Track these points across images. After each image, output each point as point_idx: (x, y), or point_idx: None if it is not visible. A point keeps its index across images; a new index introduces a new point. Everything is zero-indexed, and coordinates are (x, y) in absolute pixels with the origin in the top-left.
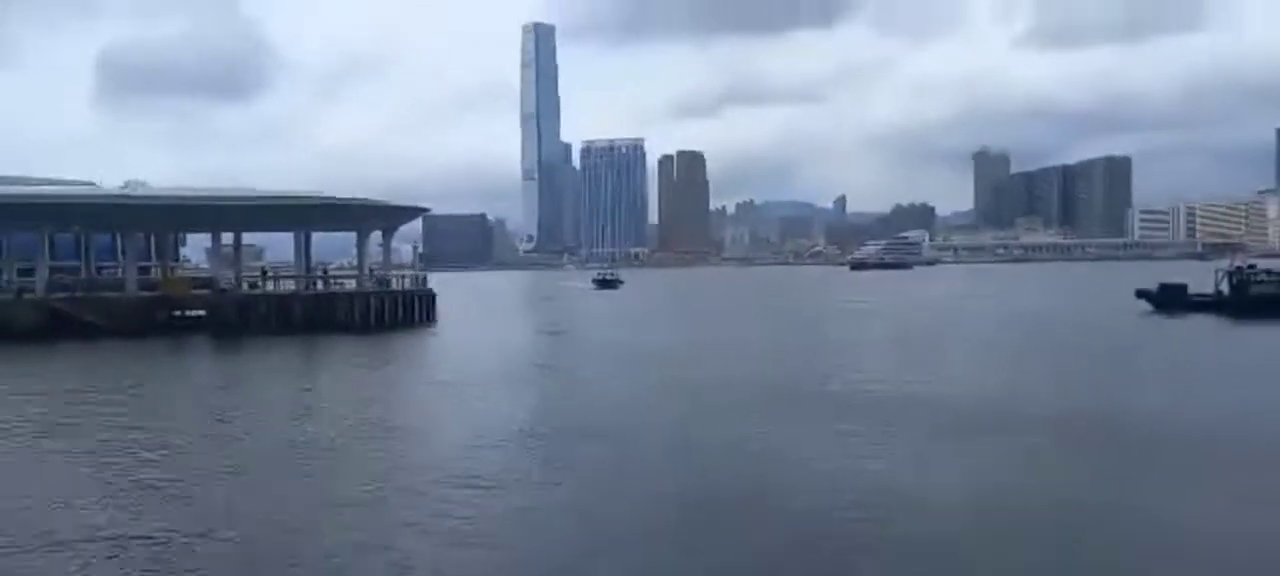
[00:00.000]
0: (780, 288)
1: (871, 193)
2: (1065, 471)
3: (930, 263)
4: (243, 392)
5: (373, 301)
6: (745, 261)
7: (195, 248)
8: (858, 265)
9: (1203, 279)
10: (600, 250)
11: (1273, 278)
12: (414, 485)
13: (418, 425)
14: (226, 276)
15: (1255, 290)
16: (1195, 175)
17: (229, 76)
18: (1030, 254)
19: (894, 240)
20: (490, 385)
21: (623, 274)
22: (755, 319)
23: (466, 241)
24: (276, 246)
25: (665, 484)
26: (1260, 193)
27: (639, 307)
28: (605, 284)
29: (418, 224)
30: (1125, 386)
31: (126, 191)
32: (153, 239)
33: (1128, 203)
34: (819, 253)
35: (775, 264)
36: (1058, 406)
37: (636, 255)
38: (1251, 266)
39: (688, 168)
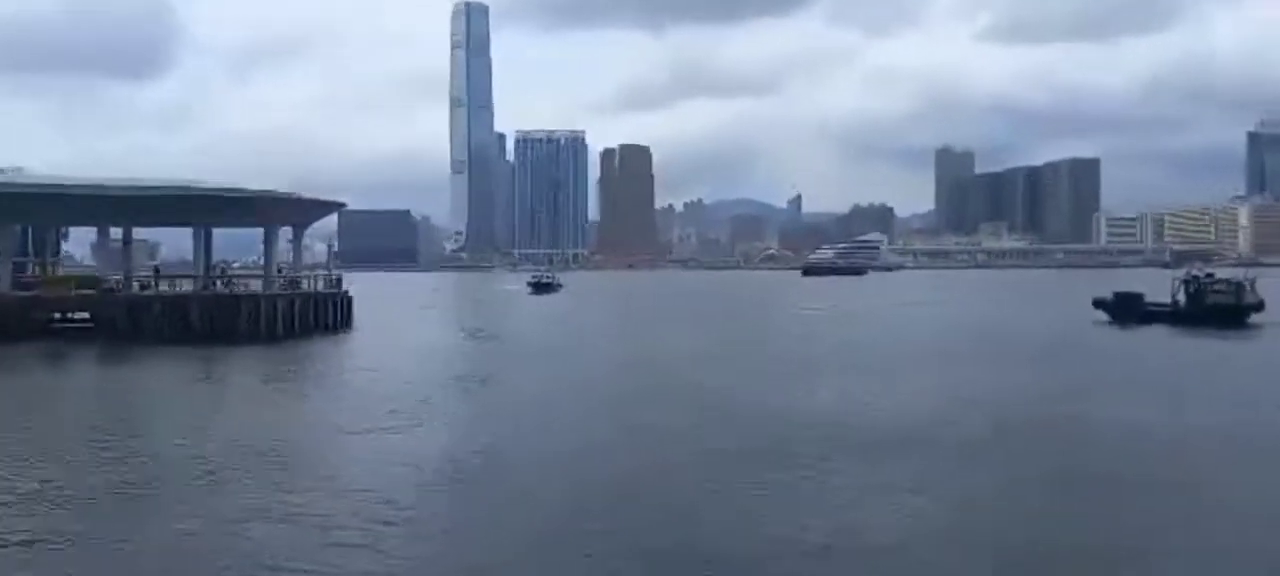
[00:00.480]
0: (724, 294)
1: (829, 192)
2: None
3: (889, 268)
4: (118, 411)
5: (281, 305)
6: (692, 264)
7: (80, 243)
8: (810, 270)
9: (1165, 288)
10: (536, 251)
11: (1229, 287)
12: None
13: (302, 460)
14: (114, 275)
15: (1211, 299)
16: (1160, 178)
17: (126, 52)
18: (994, 260)
19: (851, 244)
20: (401, 402)
21: (562, 276)
22: (688, 327)
23: (388, 239)
24: (173, 242)
25: (564, 519)
26: (1233, 199)
27: (576, 313)
28: (541, 287)
29: (334, 220)
30: (1043, 400)
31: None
32: (30, 232)
33: (1095, 206)
34: (772, 256)
35: (725, 268)
36: (966, 425)
37: (576, 256)
38: (1209, 275)
39: (632, 163)
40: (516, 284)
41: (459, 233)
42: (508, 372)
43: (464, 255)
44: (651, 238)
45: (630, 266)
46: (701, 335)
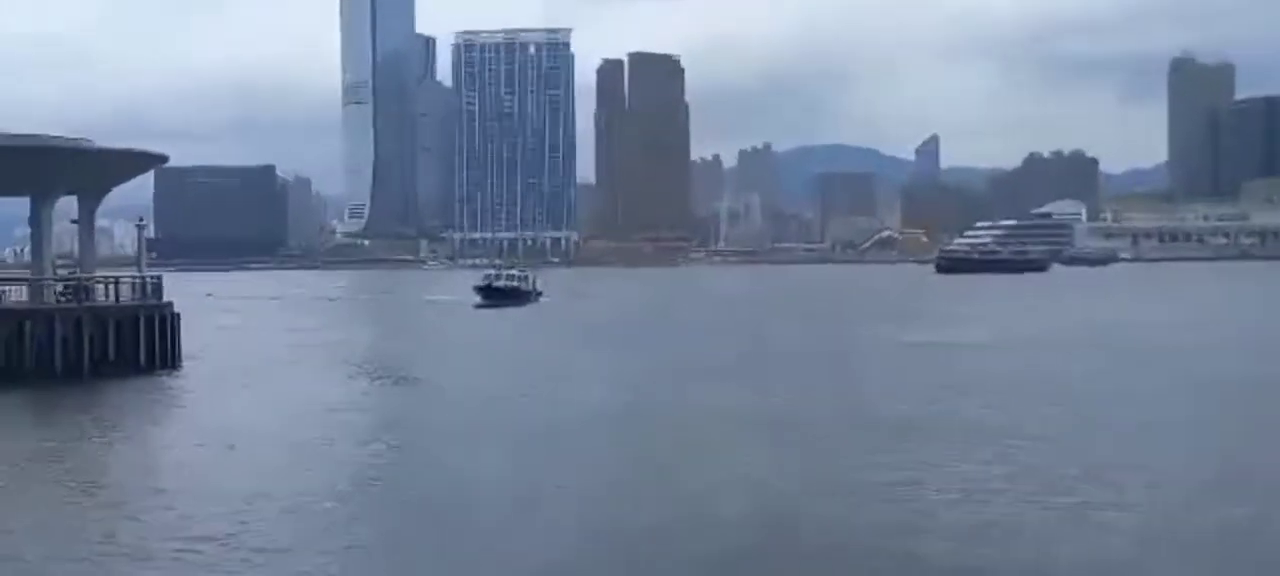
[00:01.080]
0: (803, 308)
1: (985, 134)
2: None
3: (1094, 261)
4: None
5: (60, 327)
6: (753, 256)
7: None
8: (950, 263)
9: None
10: (490, 235)
11: None
12: None
13: None
14: None
15: None
16: None
17: None
18: (1269, 245)
19: (1024, 221)
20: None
21: (539, 277)
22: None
23: (238, 217)
24: None
25: None
26: None
27: (551, 351)
28: (497, 295)
29: (148, 185)
30: None
31: None
32: None
33: None
34: (888, 239)
35: (809, 259)
36: None
37: (560, 244)
38: None
39: (650, 84)
40: (455, 291)
41: (357, 205)
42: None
43: (365, 242)
44: (682, 212)
45: (651, 260)
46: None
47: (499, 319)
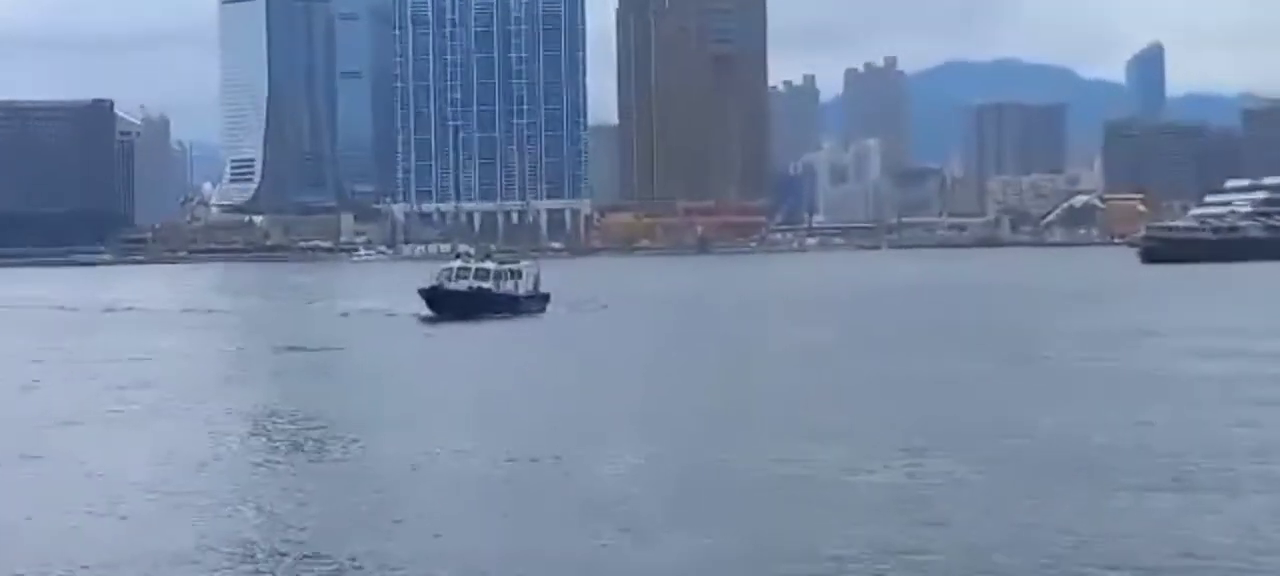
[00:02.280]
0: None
1: (1232, 42)
2: None
3: None
4: None
5: None
6: (867, 236)
7: None
8: (1162, 250)
9: None
10: (454, 207)
11: None
12: None
13: None
14: None
15: None
16: None
17: None
18: None
19: None
20: None
21: (535, 269)
22: None
23: (53, 181)
24: None
25: None
26: None
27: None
28: (460, 305)
29: None
30: None
31: None
32: None
33: None
34: (1085, 210)
35: (957, 241)
36: None
37: (561, 222)
38: None
39: None
40: (395, 296)
41: (242, 162)
42: None
43: (255, 219)
44: (756, 167)
45: (702, 245)
46: None
47: (460, 353)
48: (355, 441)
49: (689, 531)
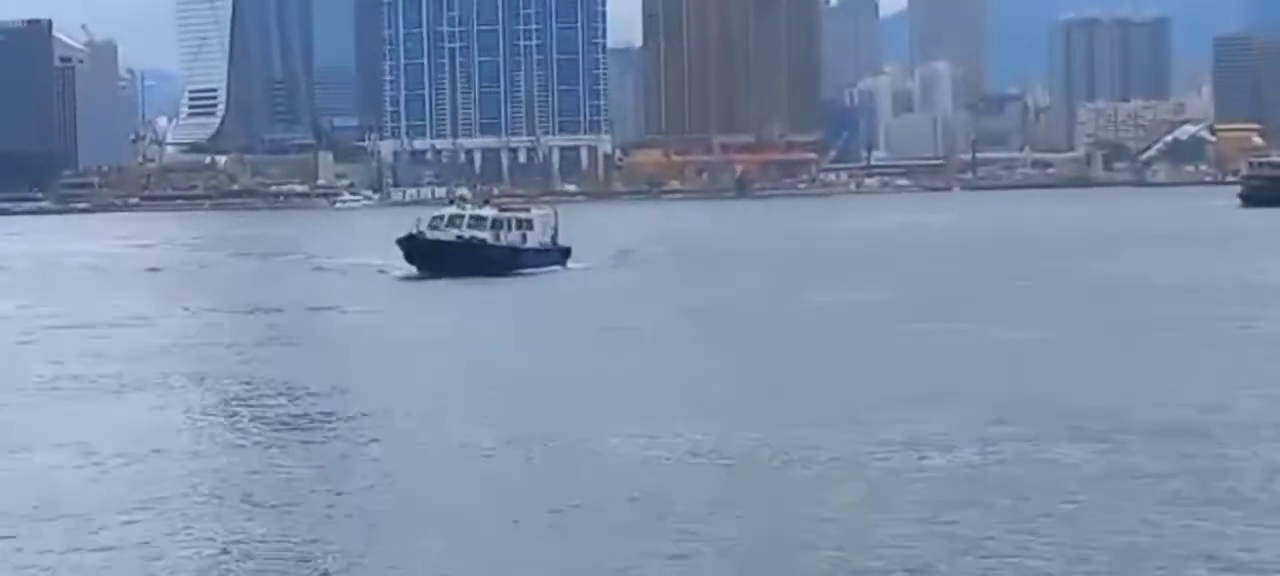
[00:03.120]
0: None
1: None
2: None
3: None
4: None
5: None
6: (936, 175)
7: None
8: (1262, 190)
9: None
10: (452, 143)
11: None
12: None
13: None
14: None
15: None
16: None
17: None
18: None
19: None
20: None
21: (545, 216)
22: None
23: None
24: None
25: None
26: None
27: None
28: (445, 256)
29: None
30: None
31: None
32: None
33: None
34: (1194, 142)
35: (1040, 181)
36: None
37: (576, 160)
38: None
39: None
40: (386, 247)
41: (203, 94)
42: None
43: (218, 159)
44: (805, 96)
45: (744, 184)
46: None
47: (446, 323)
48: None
49: (747, 535)
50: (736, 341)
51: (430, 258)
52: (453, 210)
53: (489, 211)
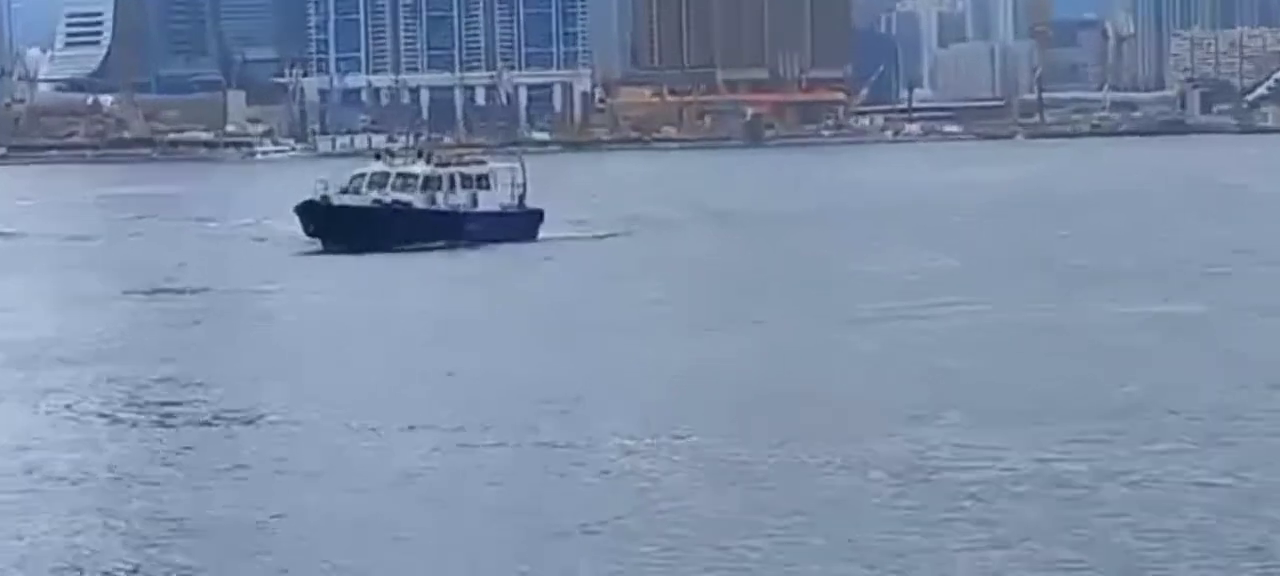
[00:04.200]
0: None
1: None
2: None
3: None
4: None
5: None
6: (987, 118)
7: None
8: None
9: None
10: (394, 80)
11: None
12: None
13: None
14: None
15: None
16: None
17: None
18: None
19: None
20: None
21: (519, 173)
22: None
23: None
24: None
25: None
26: None
27: None
28: (357, 225)
29: None
30: None
31: None
32: None
33: None
34: None
35: (1118, 127)
36: None
37: (548, 100)
38: None
39: None
40: (286, 219)
41: (83, 17)
42: None
43: (103, 100)
44: (828, 25)
45: (755, 130)
46: None
47: (336, 306)
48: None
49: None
50: (729, 327)
51: (336, 228)
52: (377, 167)
53: (420, 167)
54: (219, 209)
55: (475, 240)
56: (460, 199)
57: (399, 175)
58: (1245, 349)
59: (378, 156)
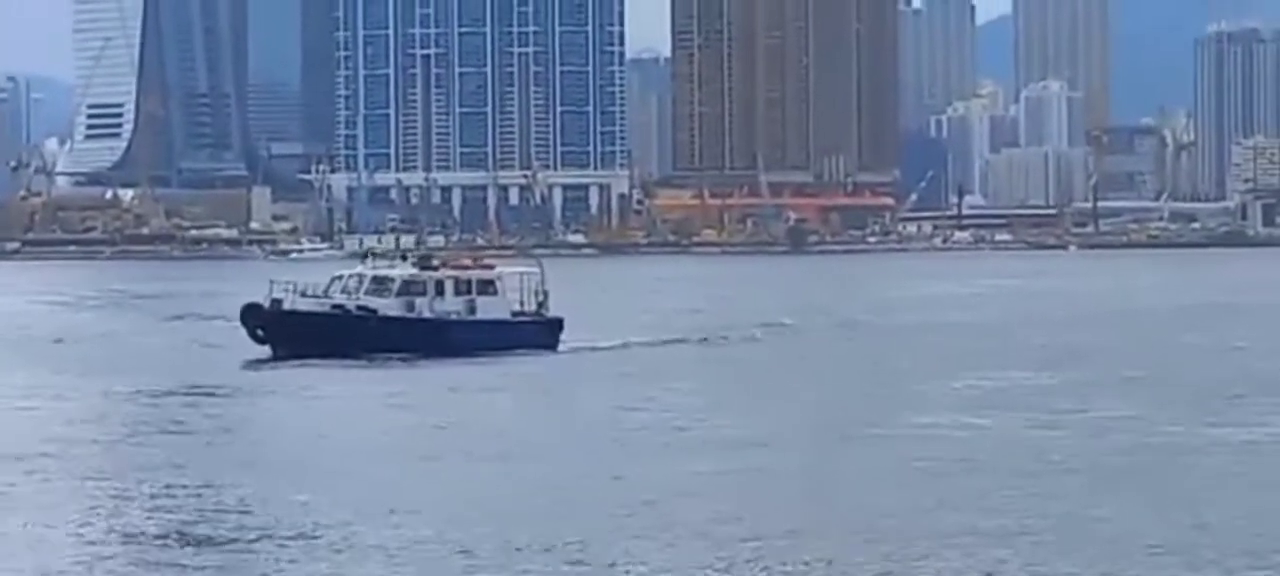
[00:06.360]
0: None
1: None
2: None
3: None
4: None
5: None
6: (1045, 225)
7: None
8: None
9: None
10: (424, 178)
11: None
12: None
13: None
14: None
15: None
16: None
17: None
18: None
19: None
20: None
21: (521, 278)
22: None
23: None
24: None
25: None
26: None
27: None
28: (316, 330)
29: None
30: None
31: None
32: None
33: None
34: None
35: (1181, 238)
36: None
37: (584, 201)
38: None
39: None
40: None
41: (104, 110)
42: None
43: (124, 195)
44: (879, 128)
45: (798, 236)
46: None
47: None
48: None
49: None
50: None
51: (284, 334)
52: (359, 269)
53: (398, 270)
54: (225, 306)
55: (468, 351)
56: (452, 305)
57: (373, 278)
58: None
59: (364, 258)
